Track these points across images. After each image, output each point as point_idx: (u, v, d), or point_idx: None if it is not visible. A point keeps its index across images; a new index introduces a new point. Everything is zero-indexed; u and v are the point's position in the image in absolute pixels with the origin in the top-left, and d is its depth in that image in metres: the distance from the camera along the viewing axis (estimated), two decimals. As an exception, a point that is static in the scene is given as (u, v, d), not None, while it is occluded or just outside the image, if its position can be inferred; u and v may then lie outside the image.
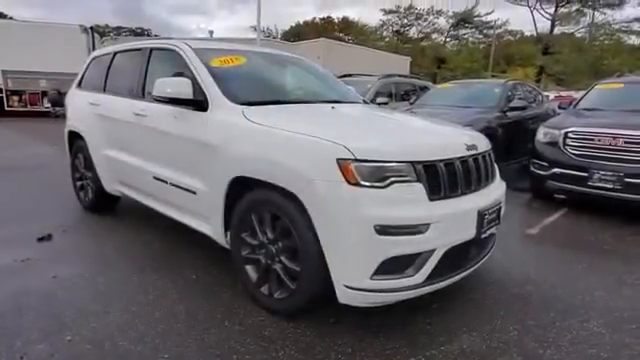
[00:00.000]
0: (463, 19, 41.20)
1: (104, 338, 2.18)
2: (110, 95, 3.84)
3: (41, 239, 3.52)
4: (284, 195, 2.25)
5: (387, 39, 46.84)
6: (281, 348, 2.15)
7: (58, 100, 15.51)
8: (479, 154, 2.53)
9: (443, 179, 2.23)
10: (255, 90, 2.98)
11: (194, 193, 2.85)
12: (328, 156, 2.09)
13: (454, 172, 2.29)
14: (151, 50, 3.49)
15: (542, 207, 5.10)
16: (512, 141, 6.38)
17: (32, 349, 2.07)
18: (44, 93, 15.92)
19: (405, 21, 44.46)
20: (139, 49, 3.65)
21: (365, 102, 3.82)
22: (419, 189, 2.14)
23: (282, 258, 2.36)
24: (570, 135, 4.80)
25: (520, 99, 7.02)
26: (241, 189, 2.51)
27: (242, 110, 2.61)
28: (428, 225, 2.11)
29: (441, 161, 2.24)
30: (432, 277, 2.22)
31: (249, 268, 2.55)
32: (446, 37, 43.65)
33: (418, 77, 10.64)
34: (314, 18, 56.46)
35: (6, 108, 15.72)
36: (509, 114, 6.52)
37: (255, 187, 2.42)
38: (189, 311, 2.48)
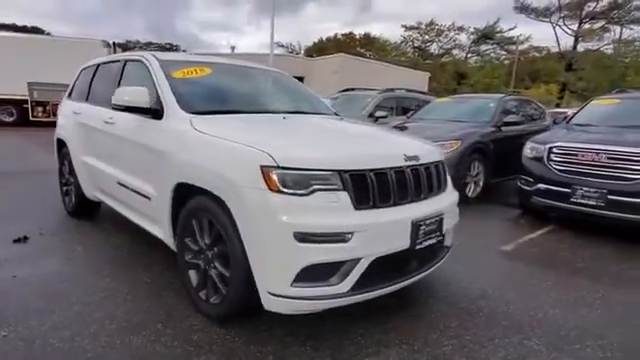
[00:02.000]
0: (485, 35, 40.99)
1: (37, 336, 2.25)
2: (89, 104, 4.00)
3: (17, 240, 3.66)
4: (215, 201, 2.29)
5: (408, 55, 46.93)
6: (204, 353, 2.17)
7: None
8: (421, 165, 2.52)
9: (372, 188, 2.23)
10: (210, 100, 3.06)
11: (149, 198, 2.93)
12: (253, 163, 2.12)
13: (386, 182, 2.29)
14: (125, 62, 3.63)
15: (528, 223, 4.98)
16: (506, 157, 6.26)
17: (-36, 343, 2.16)
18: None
19: (426, 37, 44.53)
20: (117, 60, 3.81)
21: (336, 114, 3.85)
22: (344, 198, 2.15)
23: (216, 264, 2.40)
24: (554, 150, 4.69)
25: (517, 114, 6.94)
26: (184, 195, 2.57)
27: (190, 119, 2.69)
28: (352, 234, 2.11)
29: (371, 171, 2.24)
30: (359, 287, 2.21)
31: (191, 273, 2.59)
32: (467, 53, 43.43)
33: (423, 92, 10.60)
34: (336, 34, 57.09)
35: (31, 118, 16.46)
36: (504, 129, 6.43)
37: (194, 194, 2.48)
38: (128, 313, 2.53)
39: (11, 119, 16.60)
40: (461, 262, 3.58)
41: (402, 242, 2.31)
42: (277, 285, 2.11)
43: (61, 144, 4.48)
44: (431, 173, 2.61)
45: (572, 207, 4.45)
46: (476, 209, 5.63)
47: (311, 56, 41.72)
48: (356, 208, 2.17)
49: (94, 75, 4.19)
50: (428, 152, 2.71)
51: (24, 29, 45.26)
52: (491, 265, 3.60)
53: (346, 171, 2.17)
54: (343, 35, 56.64)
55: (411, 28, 43.64)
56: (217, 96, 3.15)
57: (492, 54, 42.21)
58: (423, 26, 42.97)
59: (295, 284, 2.09)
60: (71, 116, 4.27)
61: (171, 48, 57.18)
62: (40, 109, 16.63)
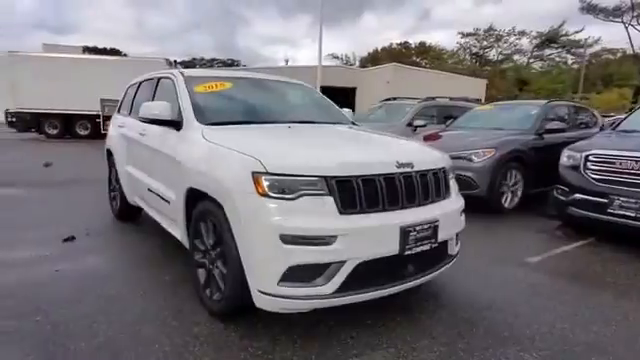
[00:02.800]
0: (549, 39, 38.91)
1: (63, 322, 2.56)
2: (131, 118, 4.42)
3: (66, 240, 4.12)
4: (216, 205, 2.48)
5: (465, 62, 45.65)
6: (200, 344, 2.35)
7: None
8: (416, 172, 2.55)
9: (359, 194, 2.31)
10: (224, 112, 3.29)
11: (169, 202, 3.21)
12: (246, 169, 2.29)
13: (374, 188, 2.36)
14: (159, 79, 4.00)
15: (566, 236, 4.72)
16: (549, 166, 5.95)
17: (3, 324, 2.51)
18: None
19: (484, 43, 43.08)
20: (152, 78, 4.19)
21: (354, 124, 3.94)
22: (329, 202, 2.24)
23: (218, 263, 2.58)
24: (591, 158, 4.43)
25: (563, 121, 6.59)
26: (194, 200, 2.79)
27: (202, 129, 2.93)
28: (335, 237, 2.20)
29: (358, 177, 2.32)
30: (345, 289, 2.28)
31: (200, 271, 2.80)
32: (529, 58, 41.38)
33: (468, 100, 10.31)
34: (391, 44, 56.96)
35: (102, 131, 18.11)
36: (546, 137, 6.15)
37: (202, 198, 2.69)
38: (144, 306, 2.78)
39: (86, 132, 18.37)
40: (477, 272, 3.52)
41: (390, 247, 2.35)
42: (265, 283, 2.25)
43: (109, 154, 4.97)
44: (428, 180, 2.63)
45: (609, 218, 4.17)
46: (511, 220, 5.43)
47: (365, 67, 41.91)
48: (341, 212, 2.26)
49: (137, 91, 4.63)
50: (426, 159, 2.73)
51: (104, 51, 50.00)
52: (510, 276, 3.48)
53: (332, 177, 2.27)
54: (398, 45, 56.36)
55: (468, 35, 42.49)
56: (231, 108, 3.39)
57: (557, 58, 39.85)
58: (481, 32, 41.59)
59: (282, 283, 2.22)
60: (117, 129, 4.75)
61: (232, 64, 60.11)
62: (109, 123, 18.26)
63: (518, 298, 3.05)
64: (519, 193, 5.89)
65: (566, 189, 4.66)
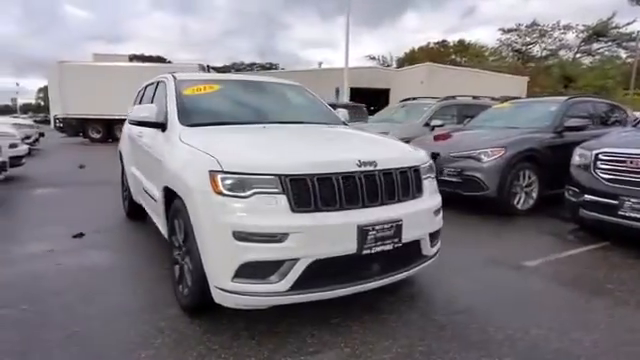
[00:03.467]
0: (597, 32, 36.78)
1: (45, 312, 2.72)
2: (136, 120, 4.63)
3: (75, 236, 4.38)
4: (182, 203, 2.57)
5: (507, 59, 44.01)
6: (162, 337, 2.43)
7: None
8: (379, 171, 2.52)
9: (314, 192, 2.31)
10: (205, 114, 3.37)
11: (155, 201, 3.34)
12: (204, 168, 2.36)
13: (331, 186, 2.35)
14: (158, 82, 4.16)
15: (578, 239, 4.47)
16: (568, 165, 5.67)
17: (-6, 311, 2.71)
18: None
19: (527, 39, 41.36)
20: (153, 82, 4.37)
21: (344, 124, 3.93)
22: (282, 200, 2.26)
23: (187, 259, 2.66)
24: (600, 157, 4.17)
25: (586, 118, 6.23)
26: (170, 198, 2.90)
27: (181, 130, 3.03)
28: (287, 235, 2.22)
29: (314, 175, 2.32)
30: (300, 287, 2.29)
31: (175, 267, 2.90)
32: (575, 53, 39.29)
33: (495, 98, 9.93)
34: (428, 43, 55.90)
35: (140, 135, 18.98)
36: (566, 134, 5.84)
37: (174, 196, 2.79)
38: (127, 300, 2.92)
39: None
40: (466, 274, 3.41)
41: (347, 246, 2.34)
42: (220, 280, 2.30)
43: (120, 155, 5.23)
44: (393, 179, 2.58)
45: (620, 221, 3.91)
46: (522, 222, 5.20)
47: (401, 66, 41.39)
48: (294, 211, 2.27)
49: (143, 95, 4.84)
50: (393, 158, 2.69)
51: (150, 58, 52.42)
52: (499, 280, 3.34)
53: (286, 176, 2.28)
54: (436, 44, 55.23)
55: (509, 31, 40.90)
56: (212, 110, 3.47)
57: (607, 52, 37.56)
58: (523, 27, 39.94)
59: (236, 279, 2.26)
60: (126, 131, 4.98)
61: (271, 67, 61.22)
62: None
63: (500, 302, 2.92)
64: (534, 194, 5.62)
65: (576, 190, 4.41)
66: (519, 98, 8.28)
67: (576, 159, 4.57)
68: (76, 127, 19.18)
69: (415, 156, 2.89)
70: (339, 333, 2.48)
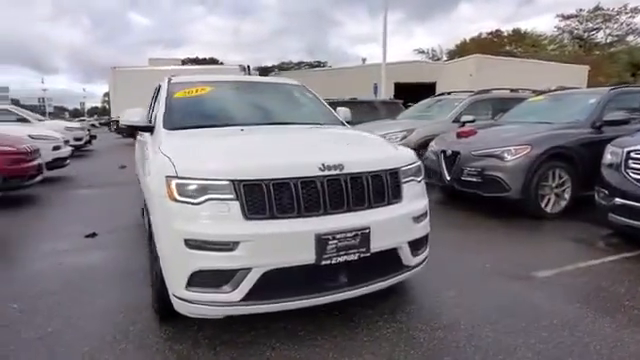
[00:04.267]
0: (671, 14, 33.30)
1: (31, 311, 2.83)
2: (144, 124, 4.74)
3: (87, 236, 4.56)
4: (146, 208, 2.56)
5: (567, 47, 41.12)
6: (125, 342, 2.43)
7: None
8: (346, 175, 2.35)
9: (269, 198, 2.20)
10: (189, 116, 3.32)
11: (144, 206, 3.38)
12: (162, 173, 2.32)
13: (288, 192, 2.23)
14: (160, 85, 4.22)
15: (609, 246, 4.03)
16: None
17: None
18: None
19: (589, 25, 38.35)
20: (158, 86, 4.44)
21: (343, 124, 3.77)
22: (235, 207, 2.17)
23: (155, 265, 2.64)
24: (633, 155, 3.70)
25: (632, 110, 5.59)
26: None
27: (164, 134, 3.03)
28: (237, 243, 2.13)
29: (270, 181, 2.21)
30: (256, 297, 2.20)
31: (153, 272, 2.90)
32: (646, 38, 35.87)
33: (539, 91, 9.20)
34: (480, 34, 53.54)
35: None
36: (606, 130, 5.27)
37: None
38: (109, 301, 2.95)
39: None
40: (462, 285, 3.15)
41: (304, 256, 2.21)
42: (175, 287, 2.26)
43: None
44: (363, 184, 2.41)
45: (652, 228, 3.44)
46: (549, 226, 4.77)
47: (452, 58, 39.95)
48: (247, 218, 2.18)
49: (153, 97, 4.94)
50: (365, 161, 2.51)
51: (204, 61, 54.51)
52: (498, 293, 3.04)
53: (240, 181, 2.19)
54: (488, 34, 52.77)
55: (569, 17, 38.09)
56: (196, 112, 3.42)
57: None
58: (585, 13, 37.05)
59: (189, 288, 2.21)
60: (138, 137, 5.12)
61: (319, 65, 61.44)
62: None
63: (490, 318, 2.65)
64: (566, 196, 5.13)
65: (606, 192, 3.95)
66: (575, 89, 7.52)
67: (607, 157, 4.10)
68: (128, 129, 20.27)
69: (396, 158, 2.69)
70: (303, 347, 2.36)
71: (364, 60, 35.03)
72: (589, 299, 2.92)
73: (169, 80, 3.76)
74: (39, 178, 6.68)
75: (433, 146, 6.11)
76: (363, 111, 12.84)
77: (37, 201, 6.58)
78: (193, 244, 2.15)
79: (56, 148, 8.26)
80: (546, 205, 5.04)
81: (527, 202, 4.95)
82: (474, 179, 5.17)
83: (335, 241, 2.24)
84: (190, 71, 20.42)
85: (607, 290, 3.06)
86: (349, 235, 2.28)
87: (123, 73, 19.78)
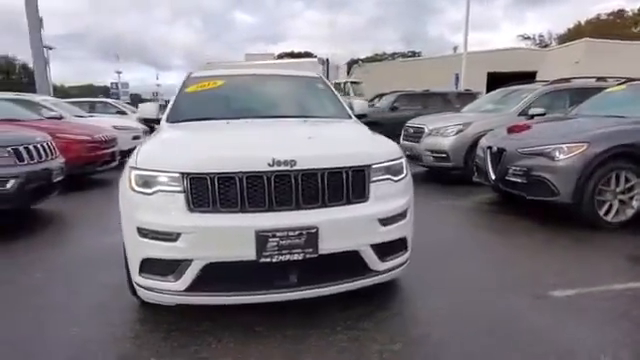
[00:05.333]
0: None
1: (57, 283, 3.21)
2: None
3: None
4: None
5: None
6: (107, 312, 2.63)
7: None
8: (298, 171, 2.26)
9: (213, 192, 2.21)
10: (190, 110, 3.43)
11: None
12: (129, 164, 2.46)
13: (233, 186, 2.21)
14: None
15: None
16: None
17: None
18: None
19: None
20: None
21: (349, 117, 3.63)
22: (180, 199, 2.22)
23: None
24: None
25: None
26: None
27: (164, 127, 3.20)
28: (179, 234, 2.18)
29: (215, 174, 2.21)
30: (199, 288, 2.24)
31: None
32: None
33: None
34: (598, 15, 47.40)
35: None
36: (697, 126, 4.35)
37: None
38: (95, 294, 3.02)
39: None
40: (457, 297, 2.89)
41: (244, 252, 2.18)
42: (133, 273, 2.38)
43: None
44: (318, 180, 2.29)
45: None
46: (602, 236, 4.12)
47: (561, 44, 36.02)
48: (191, 210, 2.21)
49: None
50: (326, 156, 2.38)
51: (298, 55, 56.29)
52: (498, 310, 2.68)
53: (187, 174, 2.23)
54: (609, 15, 46.50)
55: None
56: (197, 106, 3.51)
57: None
58: None
59: (142, 274, 2.32)
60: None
61: (413, 55, 59.67)
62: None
63: (466, 337, 2.37)
64: (635, 203, 4.35)
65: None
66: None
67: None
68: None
69: (367, 154, 2.50)
70: (251, 343, 2.33)
71: (455, 49, 33.14)
72: (606, 326, 2.45)
73: (188, 75, 3.94)
74: (113, 164, 7.48)
75: (483, 142, 5.59)
76: (435, 103, 12.28)
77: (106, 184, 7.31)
78: (143, 233, 2.25)
79: (135, 138, 9.18)
80: (606, 213, 4.32)
81: (580, 208, 4.30)
82: (519, 180, 4.62)
83: (276, 239, 2.18)
84: (264, 65, 21.02)
85: (629, 315, 2.54)
86: (292, 234, 2.19)
87: (215, 68, 21.24)
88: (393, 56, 62.10)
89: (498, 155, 5.00)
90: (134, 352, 2.29)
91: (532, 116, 6.58)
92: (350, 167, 2.38)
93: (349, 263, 2.39)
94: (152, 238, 2.23)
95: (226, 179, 2.22)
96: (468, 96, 12.30)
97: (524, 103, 6.94)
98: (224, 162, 2.27)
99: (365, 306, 2.70)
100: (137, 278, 2.34)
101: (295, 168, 2.27)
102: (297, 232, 2.20)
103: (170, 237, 2.20)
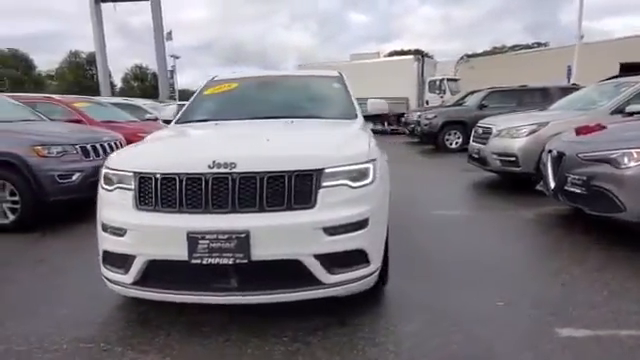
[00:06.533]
0: None
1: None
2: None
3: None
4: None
5: None
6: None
7: (387, 118, 18.87)
8: (237, 174, 2.22)
9: (156, 191, 2.28)
10: (197, 112, 3.57)
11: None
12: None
13: (173, 187, 2.26)
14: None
15: None
16: None
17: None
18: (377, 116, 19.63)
19: None
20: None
21: (354, 117, 3.45)
22: (130, 197, 2.35)
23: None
24: None
25: None
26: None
27: (164, 129, 3.42)
28: (126, 230, 2.31)
29: (158, 174, 2.29)
30: (143, 283, 2.34)
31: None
32: None
33: None
34: None
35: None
36: None
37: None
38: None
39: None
40: (435, 321, 2.53)
41: (178, 252, 2.20)
42: (100, 265, 2.57)
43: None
44: (257, 184, 2.22)
45: None
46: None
47: None
48: (138, 209, 2.32)
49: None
50: (269, 159, 2.30)
51: (407, 52, 55.14)
52: (469, 344, 2.31)
53: (138, 173, 2.35)
54: None
55: None
56: (206, 108, 3.65)
57: None
58: None
59: (104, 265, 2.50)
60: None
61: (538, 46, 54.17)
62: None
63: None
64: None
65: None
66: None
67: None
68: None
69: (320, 158, 2.34)
70: (189, 342, 2.36)
71: (581, 37, 29.02)
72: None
73: (212, 78, 4.13)
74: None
75: (547, 145, 4.83)
76: (533, 100, 10.97)
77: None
78: (104, 227, 2.43)
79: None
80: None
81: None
82: (578, 190, 3.89)
83: (206, 241, 2.16)
84: (374, 65, 20.81)
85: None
86: (222, 237, 2.16)
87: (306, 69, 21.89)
88: (514, 48, 57.03)
89: (558, 160, 4.27)
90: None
91: (631, 113, 5.50)
92: (295, 171, 2.25)
93: (294, 272, 2.27)
94: (109, 232, 2.40)
95: (168, 179, 2.28)
96: (575, 91, 10.72)
97: (621, 99, 5.81)
98: (168, 163, 2.34)
99: (324, 319, 2.53)
100: (102, 269, 2.53)
101: (234, 171, 2.23)
102: (227, 236, 2.16)
103: (120, 232, 2.33)
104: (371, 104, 3.63)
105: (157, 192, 2.28)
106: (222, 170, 2.23)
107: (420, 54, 22.27)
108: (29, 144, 4.61)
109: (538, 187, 5.02)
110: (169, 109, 3.93)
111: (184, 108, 3.70)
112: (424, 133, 12.41)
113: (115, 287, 2.47)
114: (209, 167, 2.24)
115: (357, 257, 2.34)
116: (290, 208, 2.24)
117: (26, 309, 2.81)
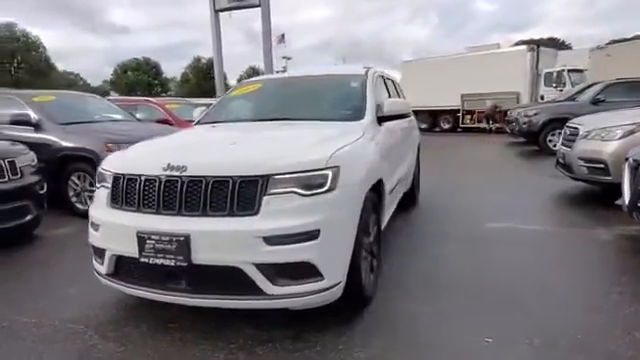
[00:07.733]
0: None
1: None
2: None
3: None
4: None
5: None
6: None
7: (492, 116, 17.30)
8: (186, 177, 2.25)
9: (122, 191, 2.44)
10: (214, 113, 3.68)
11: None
12: (103, 164, 2.92)
13: (133, 188, 2.39)
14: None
15: None
16: None
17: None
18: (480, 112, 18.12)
19: None
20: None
21: (359, 118, 3.23)
22: (106, 195, 2.54)
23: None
24: None
25: None
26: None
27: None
28: (98, 226, 2.52)
29: (125, 175, 2.44)
30: (115, 276, 2.52)
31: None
32: None
33: None
34: None
35: (460, 125, 19.27)
36: None
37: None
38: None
39: (448, 126, 20.11)
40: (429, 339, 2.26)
41: (131, 249, 2.31)
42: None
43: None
44: (202, 188, 2.21)
45: None
46: None
47: None
48: (110, 206, 2.50)
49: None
50: (217, 164, 2.32)
51: (539, 42, 49.91)
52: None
53: (113, 173, 2.53)
54: None
55: None
56: (223, 109, 3.74)
57: None
58: None
59: (94, 257, 2.74)
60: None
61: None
62: (468, 117, 19.06)
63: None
64: None
65: None
66: None
67: None
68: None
69: (264, 164, 2.24)
70: (154, 336, 2.46)
71: None
72: None
73: (247, 79, 4.25)
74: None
75: (629, 152, 3.93)
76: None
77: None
78: (90, 222, 2.67)
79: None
80: None
81: None
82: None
83: (152, 242, 2.23)
84: (472, 59, 19.31)
85: None
86: (164, 239, 2.20)
87: (410, 66, 21.11)
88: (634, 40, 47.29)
89: (634, 170, 3.45)
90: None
91: None
92: (240, 176, 2.20)
93: (236, 280, 2.21)
94: (92, 227, 2.63)
95: (132, 180, 2.41)
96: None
97: None
98: (134, 164, 2.49)
99: (283, 331, 2.43)
100: (93, 259, 2.78)
101: (184, 174, 2.27)
102: (169, 238, 2.20)
103: (96, 227, 2.55)
104: (388, 104, 3.34)
105: (122, 192, 2.43)
106: (174, 173, 2.28)
107: (536, 43, 19.77)
108: (104, 142, 5.28)
109: (618, 202, 4.12)
110: (197, 111, 4.14)
111: (206, 110, 3.87)
112: (522, 132, 11.06)
113: (98, 276, 2.70)
114: (163, 169, 2.31)
115: (305, 270, 2.20)
116: (232, 214, 2.19)
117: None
